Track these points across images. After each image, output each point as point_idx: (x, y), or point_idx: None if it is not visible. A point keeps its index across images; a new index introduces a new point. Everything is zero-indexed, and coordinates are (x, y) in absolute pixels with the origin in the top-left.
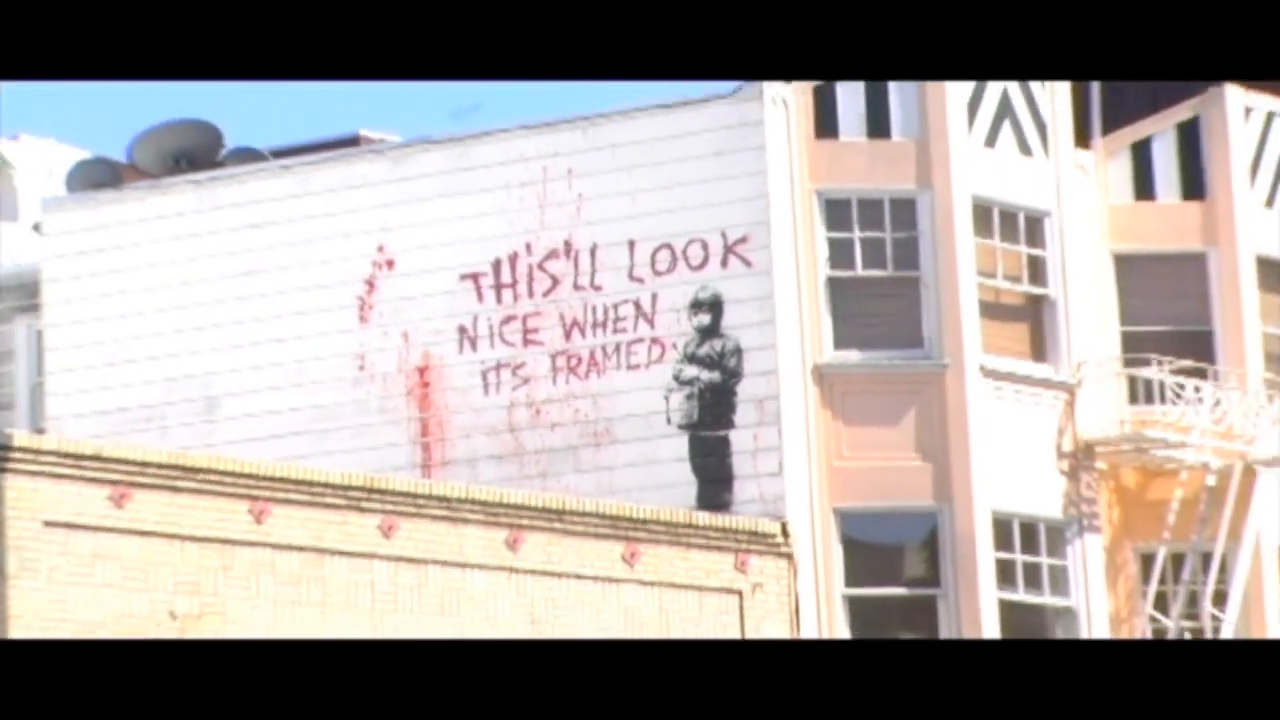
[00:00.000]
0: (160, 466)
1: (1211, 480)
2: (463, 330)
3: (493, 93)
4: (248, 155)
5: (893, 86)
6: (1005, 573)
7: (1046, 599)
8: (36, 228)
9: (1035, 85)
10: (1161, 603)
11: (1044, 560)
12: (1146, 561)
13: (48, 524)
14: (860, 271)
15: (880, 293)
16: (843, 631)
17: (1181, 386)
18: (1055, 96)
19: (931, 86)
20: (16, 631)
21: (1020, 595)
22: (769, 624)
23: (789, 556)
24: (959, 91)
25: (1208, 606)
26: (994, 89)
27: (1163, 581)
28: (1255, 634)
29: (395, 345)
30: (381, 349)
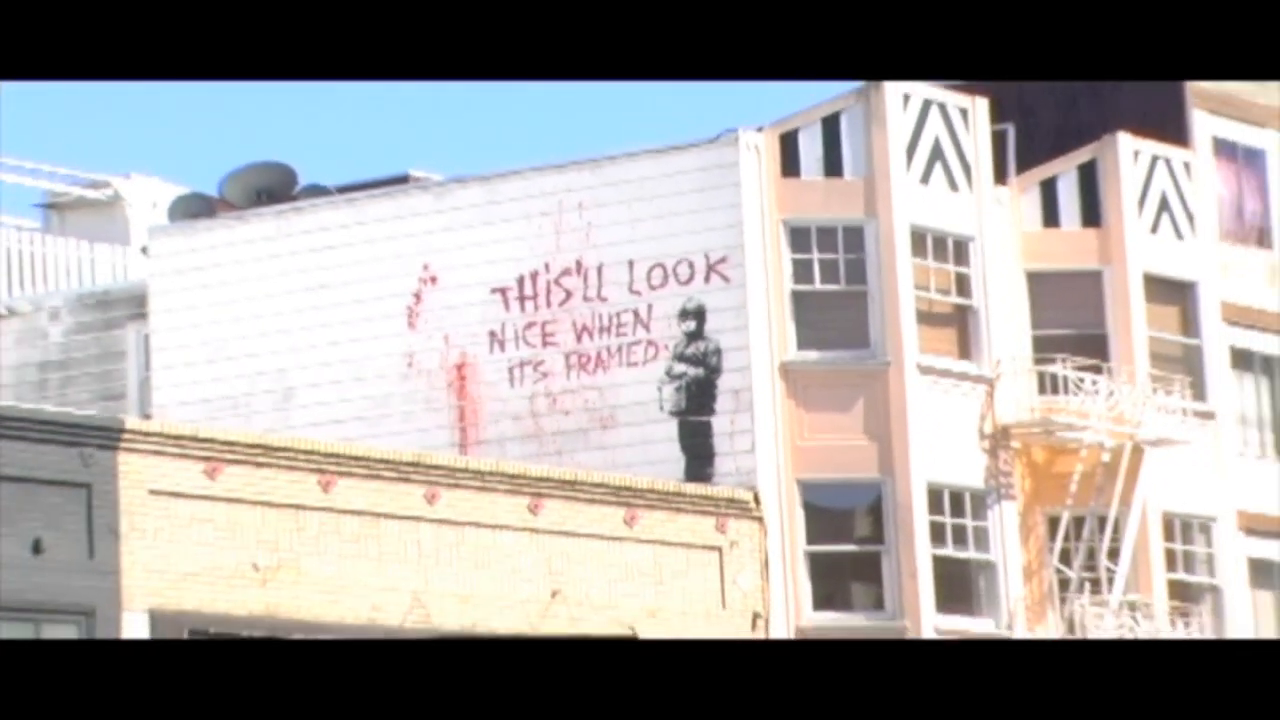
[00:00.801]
0: (245, 445)
1: (1106, 457)
2: (493, 335)
3: (515, 136)
4: (317, 191)
5: (844, 134)
6: (937, 533)
7: (971, 554)
8: (144, 250)
9: (961, 132)
10: (1065, 557)
11: (969, 522)
12: (1053, 523)
13: (153, 493)
14: (818, 286)
15: (835, 304)
16: (804, 581)
17: (1081, 380)
18: (978, 142)
19: (876, 133)
20: (128, 580)
21: (950, 551)
22: (744, 575)
23: (760, 519)
24: (899, 136)
25: (1103, 560)
26: (927, 136)
27: (1066, 540)
28: (1143, 584)
29: (437, 347)
30: (426, 350)
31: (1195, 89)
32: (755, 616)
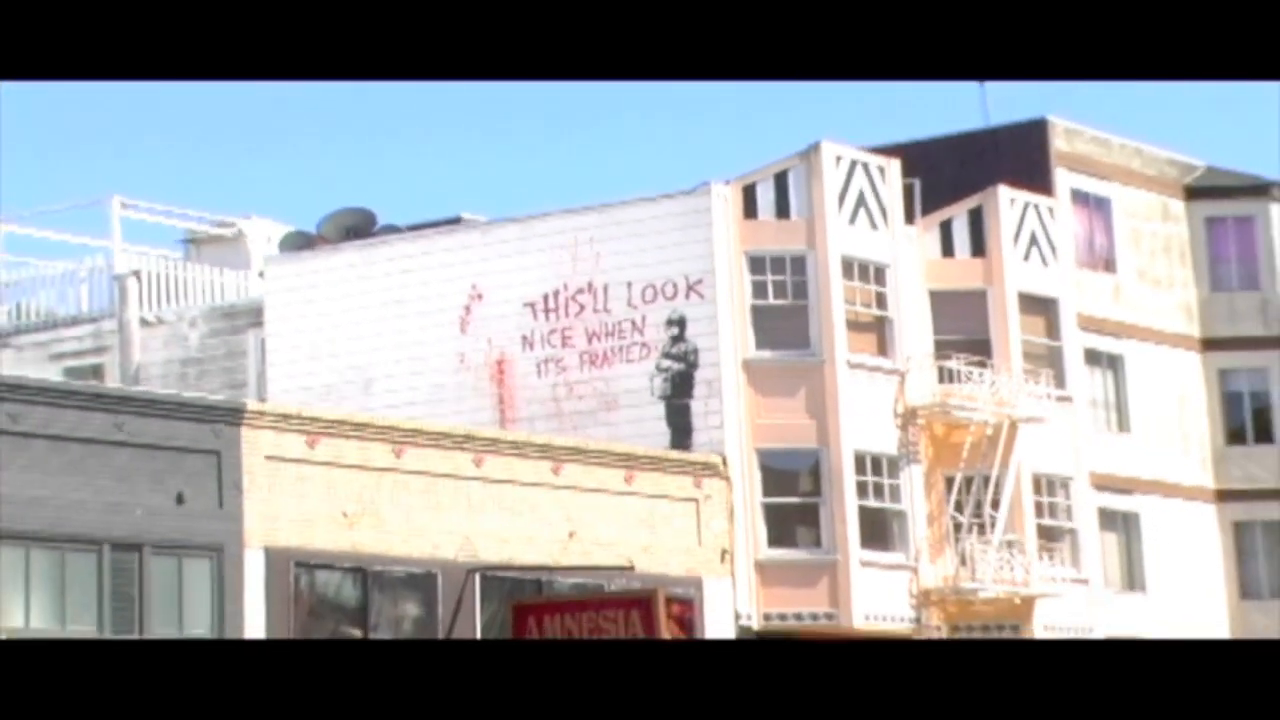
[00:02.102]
0: (336, 422)
1: (989, 431)
2: (524, 338)
3: (541, 187)
4: (391, 229)
5: (791, 185)
6: (862, 489)
7: (887, 505)
8: (261, 274)
9: (880, 184)
10: (959, 507)
11: (886, 481)
12: (949, 481)
13: (267, 458)
14: (771, 301)
15: (784, 315)
16: (761, 525)
17: (970, 373)
18: (892, 192)
19: (815, 185)
20: (248, 524)
21: (871, 502)
22: (715, 521)
23: (727, 478)
24: (833, 188)
25: (988, 509)
26: (854, 187)
27: (960, 494)
28: (1018, 527)
29: (483, 347)
30: (474, 350)
31: (1056, 152)
32: (723, 552)
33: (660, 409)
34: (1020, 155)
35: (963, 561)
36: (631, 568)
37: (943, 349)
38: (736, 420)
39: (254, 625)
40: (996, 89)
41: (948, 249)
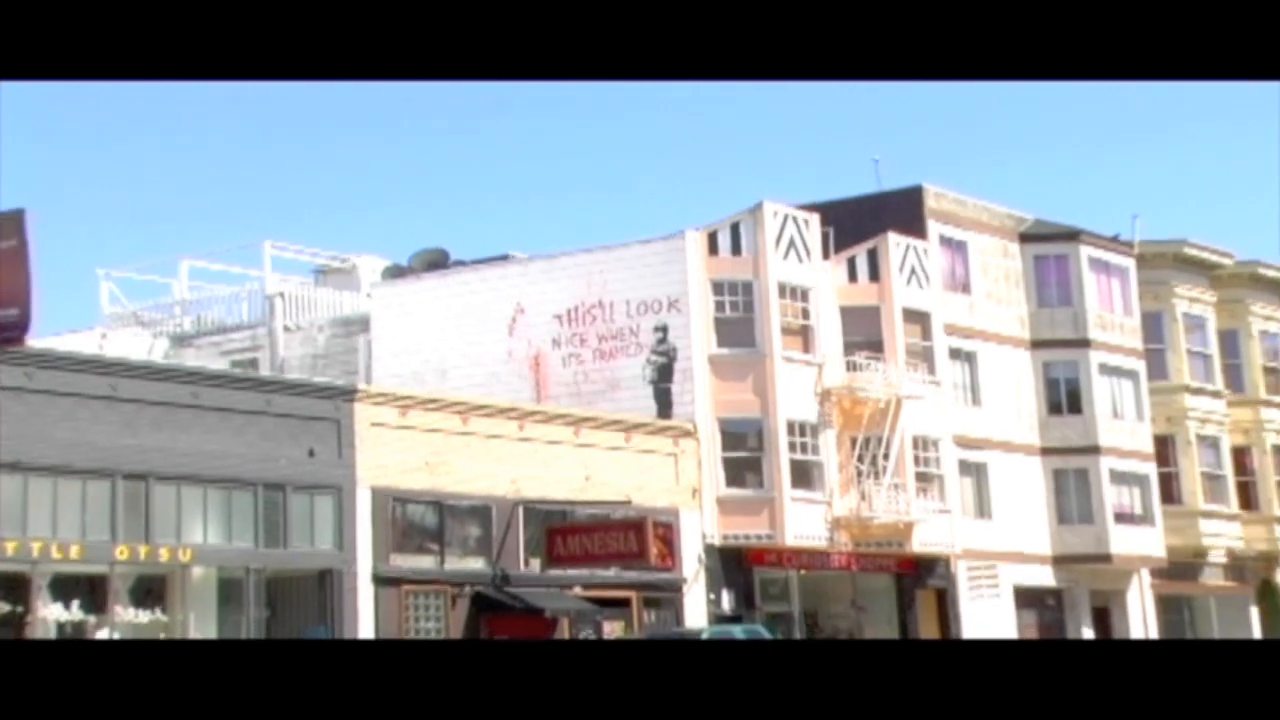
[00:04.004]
0: (421, 399)
1: (882, 405)
2: (554, 340)
3: (564, 232)
4: (460, 263)
5: (743, 231)
6: (792, 446)
7: (810, 458)
8: (369, 295)
9: (805, 230)
10: (861, 459)
11: (809, 440)
12: (854, 441)
13: (372, 424)
14: (728, 314)
15: (737, 324)
16: (720, 472)
17: (869, 364)
18: (813, 236)
19: (759, 231)
20: (360, 471)
21: (799, 456)
22: (688, 468)
23: (697, 439)
24: (772, 232)
25: (881, 460)
26: (787, 233)
27: (861, 450)
28: (902, 473)
29: (524, 347)
30: (518, 348)
31: (929, 209)
32: (694, 491)
33: (650, 390)
34: (903, 211)
35: (863, 498)
36: (629, 502)
37: (849, 348)
38: (704, 398)
39: (363, 542)
40: (886, 164)
41: (853, 277)
